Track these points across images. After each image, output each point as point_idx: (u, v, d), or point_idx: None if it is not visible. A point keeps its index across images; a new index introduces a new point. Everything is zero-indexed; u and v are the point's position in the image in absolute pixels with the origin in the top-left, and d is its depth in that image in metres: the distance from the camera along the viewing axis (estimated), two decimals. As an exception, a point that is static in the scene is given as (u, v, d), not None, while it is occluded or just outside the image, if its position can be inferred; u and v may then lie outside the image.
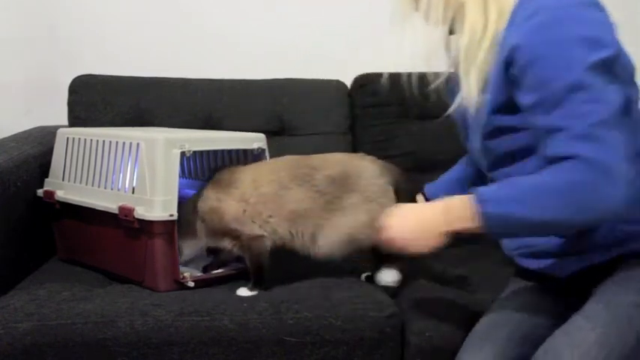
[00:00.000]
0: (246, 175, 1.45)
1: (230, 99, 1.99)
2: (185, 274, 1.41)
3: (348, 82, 2.07)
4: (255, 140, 1.53)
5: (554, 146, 1.05)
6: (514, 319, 1.21)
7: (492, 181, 1.26)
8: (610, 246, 1.19)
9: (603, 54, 1.05)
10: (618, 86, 1.06)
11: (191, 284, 1.41)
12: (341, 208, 1.40)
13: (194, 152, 1.44)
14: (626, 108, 1.08)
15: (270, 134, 1.86)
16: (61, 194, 1.56)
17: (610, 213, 1.04)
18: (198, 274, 1.47)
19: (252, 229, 1.42)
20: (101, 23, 2.17)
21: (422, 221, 1.17)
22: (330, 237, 1.41)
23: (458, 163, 1.57)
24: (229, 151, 1.60)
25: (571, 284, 1.29)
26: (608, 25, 1.10)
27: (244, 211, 1.42)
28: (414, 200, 1.46)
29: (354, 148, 2.00)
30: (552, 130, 1.05)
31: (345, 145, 1.99)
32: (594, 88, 1.04)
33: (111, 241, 1.48)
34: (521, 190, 1.07)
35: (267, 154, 1.54)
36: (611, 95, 1.04)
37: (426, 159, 1.96)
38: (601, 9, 1.11)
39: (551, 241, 1.22)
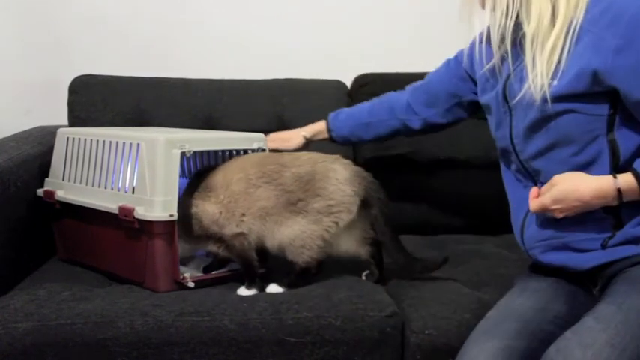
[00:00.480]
0: (218, 175, 1.46)
1: (230, 99, 1.99)
2: (185, 275, 1.41)
3: (348, 82, 2.07)
4: (255, 140, 1.53)
5: None
6: (523, 315, 1.20)
7: (526, 170, 1.32)
8: (630, 242, 1.22)
9: None
10: None
11: (191, 285, 1.41)
12: (303, 211, 1.40)
13: (194, 152, 1.44)
14: None
15: (270, 134, 1.86)
16: (61, 194, 1.56)
17: None
18: (198, 274, 1.47)
19: (231, 228, 1.43)
20: (101, 23, 2.17)
21: (586, 205, 1.22)
22: (284, 237, 1.41)
23: (379, 103, 1.67)
24: (229, 152, 1.60)
25: (585, 281, 1.29)
26: None
27: (220, 213, 1.43)
28: (386, 212, 1.46)
29: (354, 149, 2.00)
30: None
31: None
32: None
33: (111, 242, 1.48)
34: None
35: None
36: None
37: (426, 159, 1.96)
38: None
39: (577, 234, 1.26)
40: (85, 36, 2.17)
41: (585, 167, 1.23)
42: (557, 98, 1.22)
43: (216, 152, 1.63)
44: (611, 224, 1.24)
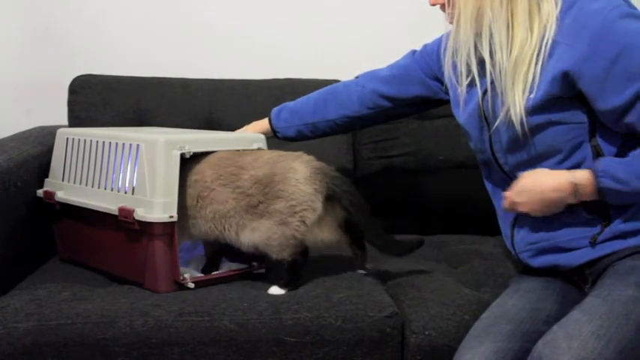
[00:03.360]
0: (180, 177, 1.43)
1: (230, 99, 1.99)
2: (185, 275, 1.41)
3: (348, 82, 2.07)
4: (254, 141, 1.53)
5: None
6: (516, 316, 1.21)
7: (511, 178, 1.33)
8: (618, 237, 1.25)
9: None
10: None
11: (191, 285, 1.41)
12: (266, 212, 1.39)
13: (194, 153, 1.44)
14: None
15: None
16: (61, 195, 1.56)
17: None
18: (199, 275, 1.47)
19: (187, 231, 1.45)
20: (101, 23, 2.18)
21: (547, 199, 1.26)
22: (251, 238, 1.40)
23: (324, 99, 1.65)
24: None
25: (577, 279, 1.30)
26: None
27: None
28: (356, 201, 1.44)
29: (354, 149, 2.00)
30: None
31: (345, 145, 1.99)
32: None
33: (111, 243, 1.48)
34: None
35: (266, 154, 1.54)
36: None
37: (426, 159, 1.96)
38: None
39: (566, 234, 1.29)
40: (85, 36, 2.17)
41: None
42: (535, 110, 1.24)
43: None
44: (600, 223, 1.27)
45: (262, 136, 1.57)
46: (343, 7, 2.21)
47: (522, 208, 1.29)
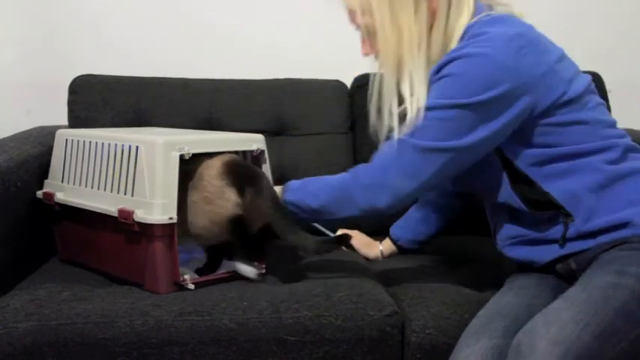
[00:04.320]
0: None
1: (230, 99, 1.99)
2: (185, 276, 1.41)
3: (348, 82, 2.07)
4: (254, 141, 1.53)
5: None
6: (511, 312, 1.23)
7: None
8: (584, 236, 1.28)
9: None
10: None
11: (191, 287, 1.41)
12: (186, 205, 1.42)
13: (193, 154, 1.44)
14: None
15: (270, 134, 1.86)
16: (60, 196, 1.56)
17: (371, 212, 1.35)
18: (198, 275, 1.47)
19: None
20: (101, 23, 2.18)
21: None
22: (192, 230, 1.43)
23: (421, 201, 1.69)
24: (228, 153, 1.60)
25: (568, 275, 1.32)
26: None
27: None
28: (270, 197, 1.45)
29: (354, 148, 2.00)
30: None
31: (345, 145, 1.99)
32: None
33: (111, 244, 1.48)
34: (314, 184, 1.43)
35: (266, 155, 1.54)
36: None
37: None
38: None
39: (537, 231, 1.34)
40: (85, 36, 2.17)
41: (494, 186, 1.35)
42: None
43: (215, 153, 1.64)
44: (562, 221, 1.30)
45: (261, 137, 1.56)
46: (344, 7, 2.21)
47: None
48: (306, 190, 1.42)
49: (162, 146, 1.37)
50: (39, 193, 1.61)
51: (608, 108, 2.05)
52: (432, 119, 1.27)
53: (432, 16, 1.31)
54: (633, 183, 1.28)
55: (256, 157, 1.54)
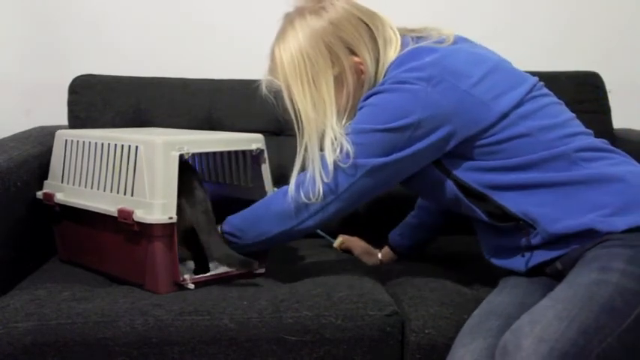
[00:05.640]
0: None
1: (230, 99, 1.99)
2: (185, 276, 1.41)
3: (348, 82, 2.06)
4: (253, 141, 1.53)
5: None
6: (504, 311, 1.23)
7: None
8: (552, 243, 1.29)
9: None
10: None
11: (191, 286, 1.41)
12: None
13: (193, 154, 1.44)
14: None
15: (270, 134, 1.86)
16: (60, 197, 1.56)
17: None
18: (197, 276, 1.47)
19: None
20: (101, 23, 2.18)
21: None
22: None
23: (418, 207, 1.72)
24: (228, 152, 1.60)
25: (556, 276, 1.32)
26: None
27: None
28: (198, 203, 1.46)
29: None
30: None
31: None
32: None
33: (111, 244, 1.48)
34: (246, 212, 1.45)
35: (265, 154, 1.54)
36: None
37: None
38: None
39: (506, 241, 1.37)
40: (85, 36, 2.17)
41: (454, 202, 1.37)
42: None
43: (214, 153, 1.64)
44: (524, 231, 1.32)
45: (261, 136, 1.56)
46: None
47: None
48: (245, 220, 1.46)
49: (161, 146, 1.37)
50: (39, 194, 1.61)
51: (608, 108, 2.06)
52: (349, 142, 1.32)
53: (359, 71, 1.39)
54: (585, 189, 1.28)
55: (256, 157, 1.54)
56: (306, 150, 1.38)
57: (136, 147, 1.40)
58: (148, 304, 1.32)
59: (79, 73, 1.97)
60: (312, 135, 1.36)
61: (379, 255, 1.74)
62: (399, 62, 1.36)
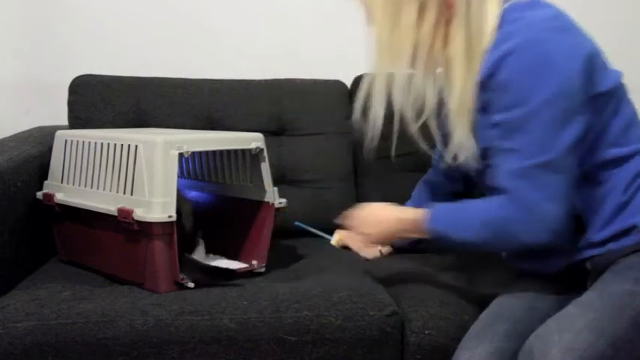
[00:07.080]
0: None
1: (230, 99, 1.99)
2: (185, 276, 1.41)
3: (348, 82, 2.07)
4: (253, 140, 1.53)
5: (497, 177, 1.19)
6: (512, 316, 1.22)
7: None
8: (595, 246, 1.23)
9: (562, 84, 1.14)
10: (576, 117, 1.15)
11: (191, 285, 1.41)
12: None
13: (192, 153, 1.44)
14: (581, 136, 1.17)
15: (270, 134, 1.86)
16: (60, 197, 1.56)
17: (532, 244, 1.19)
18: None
19: None
20: (101, 23, 2.18)
21: (380, 225, 1.37)
22: None
23: (418, 186, 1.68)
24: (228, 152, 1.60)
25: (571, 280, 1.30)
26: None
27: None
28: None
29: (354, 149, 2.00)
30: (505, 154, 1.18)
31: (345, 145, 1.99)
32: (546, 124, 1.14)
33: (111, 244, 1.48)
34: (464, 216, 1.26)
35: (265, 153, 1.54)
36: (562, 136, 1.14)
37: (426, 159, 1.96)
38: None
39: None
40: (85, 36, 2.17)
41: None
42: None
43: (214, 152, 1.64)
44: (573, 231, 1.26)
45: (260, 136, 1.56)
46: (344, 7, 2.21)
47: (362, 232, 1.40)
48: (457, 221, 1.26)
49: (161, 145, 1.37)
50: (39, 194, 1.61)
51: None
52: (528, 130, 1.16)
53: (448, 9, 1.22)
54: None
55: (255, 156, 1.54)
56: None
57: (136, 146, 1.40)
58: (147, 304, 1.32)
59: (79, 73, 1.97)
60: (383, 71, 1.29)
61: (379, 247, 1.72)
62: (518, 9, 1.19)
